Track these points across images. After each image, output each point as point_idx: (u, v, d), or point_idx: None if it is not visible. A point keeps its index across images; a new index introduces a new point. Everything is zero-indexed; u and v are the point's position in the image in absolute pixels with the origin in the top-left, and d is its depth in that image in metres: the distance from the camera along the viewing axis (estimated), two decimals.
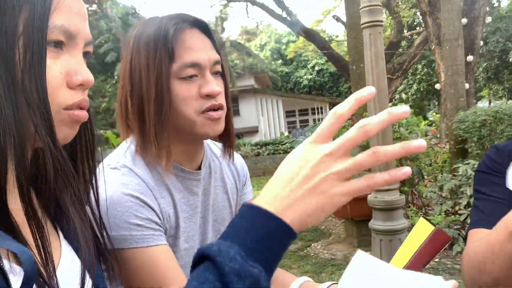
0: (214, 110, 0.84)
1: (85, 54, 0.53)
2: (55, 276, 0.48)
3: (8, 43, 0.44)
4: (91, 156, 0.59)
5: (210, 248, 0.42)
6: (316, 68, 30.08)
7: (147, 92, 0.79)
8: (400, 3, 16.85)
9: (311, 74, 30.50)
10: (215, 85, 0.83)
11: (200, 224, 0.91)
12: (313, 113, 25.61)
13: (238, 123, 23.64)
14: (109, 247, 0.63)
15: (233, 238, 0.43)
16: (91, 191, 0.60)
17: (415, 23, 19.45)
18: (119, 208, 0.74)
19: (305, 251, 5.39)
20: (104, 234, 0.62)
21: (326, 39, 20.54)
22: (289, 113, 26.54)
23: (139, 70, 0.80)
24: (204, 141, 0.96)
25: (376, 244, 1.99)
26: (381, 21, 1.92)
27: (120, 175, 0.78)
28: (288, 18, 13.43)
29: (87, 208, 0.58)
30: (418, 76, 23.39)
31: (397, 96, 23.87)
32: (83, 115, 0.52)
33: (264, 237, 0.43)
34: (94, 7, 20.50)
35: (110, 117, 16.79)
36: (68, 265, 0.55)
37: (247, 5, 16.56)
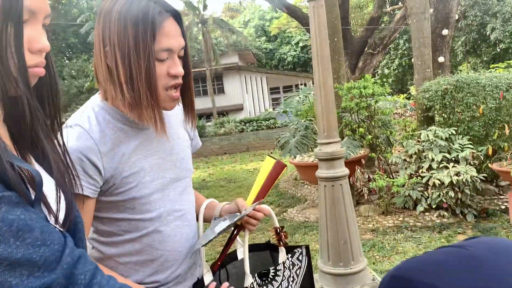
0: (175, 88, 1.03)
1: (44, 25, 0.69)
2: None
3: None
4: (54, 98, 0.76)
5: None
6: (300, 44, 30.11)
7: (137, 68, 0.98)
8: None
9: (295, 51, 30.56)
10: (181, 68, 1.02)
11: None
12: (297, 90, 25.83)
13: (223, 101, 23.68)
14: (75, 176, 0.79)
15: None
16: (59, 132, 0.77)
17: None
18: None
19: (282, 215, 5.72)
20: (70, 165, 0.79)
21: (306, 12, 20.57)
22: (273, 90, 26.68)
23: (127, 48, 0.97)
24: None
25: (321, 190, 2.29)
26: None
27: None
28: None
29: (56, 144, 0.76)
30: (400, 51, 23.66)
31: (379, 71, 24.16)
32: (41, 71, 0.70)
33: None
34: None
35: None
36: (46, 184, 0.70)
37: None
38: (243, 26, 33.08)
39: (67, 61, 20.38)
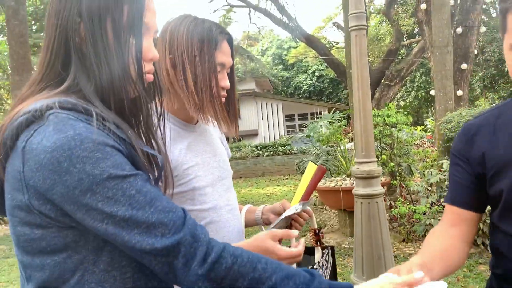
0: (223, 98, 1.25)
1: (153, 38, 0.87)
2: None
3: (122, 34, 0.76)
4: (160, 99, 0.94)
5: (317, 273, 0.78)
6: (316, 73, 30.55)
7: (202, 75, 1.18)
8: (400, 12, 17.29)
9: (311, 80, 30.98)
10: (228, 82, 1.24)
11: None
12: (312, 118, 26.02)
13: (239, 126, 23.93)
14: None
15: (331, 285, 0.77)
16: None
17: (414, 32, 19.89)
18: None
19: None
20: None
21: (327, 45, 20.96)
22: (288, 117, 26.94)
23: (194, 59, 1.19)
24: None
25: (358, 207, 2.42)
26: (365, 25, 2.35)
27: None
28: (290, 24, 13.79)
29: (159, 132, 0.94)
30: (416, 84, 23.80)
31: (395, 103, 24.27)
32: (151, 77, 0.86)
33: None
34: None
35: None
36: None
37: (249, 10, 16.94)
38: (261, 54, 33.76)
39: None
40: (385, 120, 5.26)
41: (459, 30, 8.10)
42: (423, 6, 8.95)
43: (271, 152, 15.10)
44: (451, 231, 1.12)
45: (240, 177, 14.42)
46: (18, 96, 0.78)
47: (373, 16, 22.29)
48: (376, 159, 2.36)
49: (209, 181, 1.26)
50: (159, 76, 0.95)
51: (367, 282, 0.85)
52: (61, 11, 0.76)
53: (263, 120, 24.81)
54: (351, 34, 2.34)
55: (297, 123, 27.27)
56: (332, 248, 1.46)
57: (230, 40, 1.26)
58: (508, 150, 0.99)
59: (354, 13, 2.32)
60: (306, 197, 1.40)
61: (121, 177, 0.68)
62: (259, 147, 15.54)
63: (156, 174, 0.82)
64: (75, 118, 0.69)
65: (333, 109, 13.51)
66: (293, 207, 1.32)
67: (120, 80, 0.76)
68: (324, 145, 6.66)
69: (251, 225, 1.46)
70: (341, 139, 6.15)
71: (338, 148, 6.21)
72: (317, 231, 1.42)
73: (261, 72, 28.25)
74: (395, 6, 15.30)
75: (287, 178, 13.11)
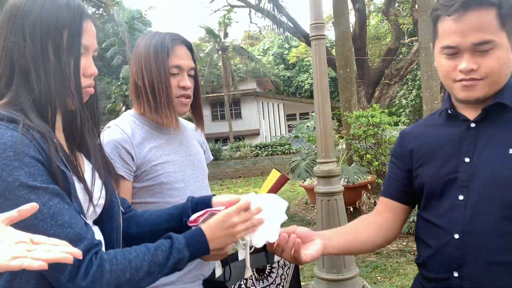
0: (185, 97, 1.42)
1: (93, 56, 0.99)
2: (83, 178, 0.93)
3: (60, 50, 0.87)
4: (97, 112, 1.05)
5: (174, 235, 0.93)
6: None
7: (158, 79, 1.35)
8: (401, 10, 17.31)
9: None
10: (188, 81, 1.39)
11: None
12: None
13: (240, 126, 24.09)
14: (110, 164, 1.08)
15: (186, 239, 0.94)
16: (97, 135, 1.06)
17: (416, 30, 19.89)
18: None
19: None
20: (106, 156, 1.08)
21: (327, 44, 21.05)
22: (290, 116, 27.05)
23: (150, 67, 1.37)
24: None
25: (319, 203, 2.58)
26: (324, 35, 2.50)
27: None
28: (290, 24, 13.90)
29: (97, 143, 1.04)
30: (417, 82, 23.80)
31: (397, 101, 24.25)
32: (91, 90, 0.98)
33: (197, 247, 0.96)
34: (101, 10, 20.89)
35: (115, 117, 17.21)
36: (88, 173, 0.98)
37: (250, 10, 17.05)
38: (262, 53, 33.86)
39: None
40: (369, 120, 5.41)
41: None
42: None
43: (270, 152, 15.23)
44: (373, 218, 1.28)
45: (239, 176, 14.57)
46: None
47: (373, 15, 22.34)
48: (335, 160, 2.52)
49: (180, 178, 1.41)
50: (97, 89, 1.06)
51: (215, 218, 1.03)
52: (8, 36, 0.86)
53: (264, 120, 24.93)
54: (312, 43, 2.49)
55: (298, 123, 27.29)
56: None
57: (187, 45, 1.42)
58: (429, 149, 1.16)
59: (314, 24, 2.48)
60: None
61: (30, 187, 0.76)
62: (258, 147, 15.67)
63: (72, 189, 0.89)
64: (5, 127, 0.79)
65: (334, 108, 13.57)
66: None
67: (59, 94, 0.88)
68: (314, 145, 6.81)
69: None
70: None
71: None
72: None
73: (262, 72, 28.36)
74: (395, 5, 15.33)
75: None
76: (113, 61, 18.79)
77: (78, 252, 0.62)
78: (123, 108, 17.83)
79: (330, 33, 28.54)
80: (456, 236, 1.04)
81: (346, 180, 5.17)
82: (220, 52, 22.20)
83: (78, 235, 0.79)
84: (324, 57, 2.43)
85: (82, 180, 0.90)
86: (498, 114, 1.05)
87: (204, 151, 1.63)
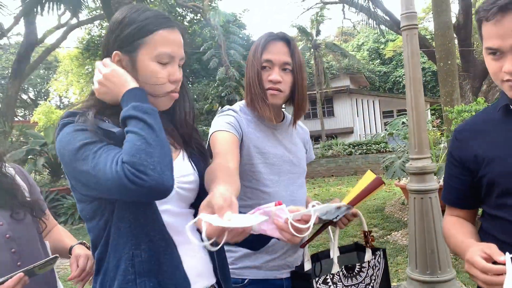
0: (272, 89, 1.45)
1: (179, 64, 1.11)
2: None
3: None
4: (191, 114, 1.19)
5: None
6: None
7: (252, 73, 1.46)
8: None
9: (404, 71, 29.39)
10: (277, 75, 1.44)
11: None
12: None
13: (332, 124, 23.76)
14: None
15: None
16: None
17: None
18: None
19: (385, 238, 5.72)
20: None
21: (428, 37, 19.80)
22: (386, 114, 25.95)
23: (248, 62, 1.49)
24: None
25: (411, 202, 2.46)
26: (416, 25, 2.37)
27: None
28: (386, 17, 13.35)
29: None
30: None
31: None
32: (176, 95, 1.11)
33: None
34: (199, 16, 22.05)
35: (212, 118, 17.95)
36: (180, 159, 1.13)
37: (343, 6, 16.71)
38: (356, 49, 32.97)
39: (190, 85, 22.33)
40: (461, 116, 4.98)
41: None
42: None
43: (365, 151, 14.76)
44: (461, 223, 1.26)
45: (332, 175, 14.37)
46: None
47: (480, 2, 20.47)
48: (429, 155, 2.38)
49: (276, 171, 1.47)
50: (187, 91, 1.20)
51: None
52: (105, 45, 1.06)
53: (358, 117, 24.27)
54: (403, 33, 2.38)
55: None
56: (384, 250, 1.58)
57: (286, 41, 1.47)
58: (494, 147, 1.13)
59: (405, 13, 2.37)
60: (353, 202, 1.46)
61: (85, 144, 0.93)
62: (351, 145, 15.30)
63: None
64: (67, 122, 0.99)
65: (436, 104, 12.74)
66: (331, 210, 1.37)
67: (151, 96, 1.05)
68: None
69: None
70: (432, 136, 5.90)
71: None
72: (366, 234, 1.55)
73: (356, 68, 27.64)
74: None
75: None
76: (210, 64, 19.63)
77: None
78: (219, 109, 18.57)
79: (431, 24, 26.78)
80: None
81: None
82: (312, 50, 22.10)
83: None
84: (417, 48, 2.32)
85: None
86: None
87: (307, 150, 1.67)
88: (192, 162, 1.12)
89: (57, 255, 1.24)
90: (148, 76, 1.04)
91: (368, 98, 25.04)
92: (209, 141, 1.40)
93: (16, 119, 21.63)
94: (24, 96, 31.02)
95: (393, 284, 3.22)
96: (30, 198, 1.39)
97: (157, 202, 1.00)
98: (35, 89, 33.71)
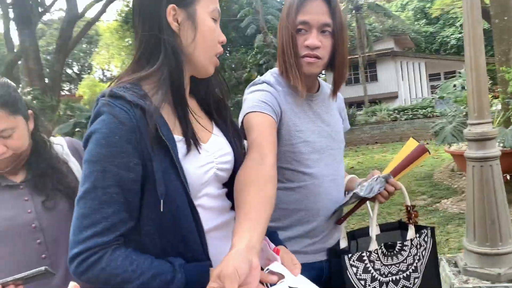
0: (310, 57, 1.27)
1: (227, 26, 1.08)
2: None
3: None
4: (223, 90, 1.08)
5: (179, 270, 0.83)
6: None
7: (285, 37, 1.28)
8: None
9: (460, 33, 27.73)
10: (315, 40, 1.24)
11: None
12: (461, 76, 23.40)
13: (375, 89, 23.00)
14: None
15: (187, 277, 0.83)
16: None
17: None
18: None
19: (434, 206, 5.53)
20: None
21: None
22: (433, 76, 24.77)
23: (281, 24, 1.30)
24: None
25: (469, 170, 2.28)
26: None
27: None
28: None
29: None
30: None
31: None
32: (217, 61, 1.01)
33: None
34: None
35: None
36: (216, 138, 1.03)
37: None
38: (400, 9, 31.37)
39: (227, 54, 22.21)
40: None
41: None
42: None
43: (410, 116, 14.23)
44: None
45: (376, 142, 14.04)
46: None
47: None
48: (490, 120, 2.17)
49: (317, 148, 1.33)
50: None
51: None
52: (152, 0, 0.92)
53: (403, 81, 23.34)
54: None
55: (442, 83, 24.90)
56: (432, 229, 1.43)
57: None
58: None
59: None
60: (396, 172, 1.36)
61: (103, 169, 0.82)
62: (396, 111, 14.78)
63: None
64: (113, 104, 0.84)
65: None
66: (366, 186, 1.30)
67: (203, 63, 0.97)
68: (462, 106, 6.10)
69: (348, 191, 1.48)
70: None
71: None
72: (409, 208, 1.41)
73: (400, 29, 26.37)
74: None
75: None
76: (247, 31, 19.38)
77: None
78: (258, 77, 18.41)
79: None
80: None
81: (501, 144, 4.53)
82: (353, 11, 21.21)
83: (110, 229, 0.81)
84: (477, 1, 2.08)
85: (195, 145, 0.92)
86: None
87: (343, 120, 1.51)
88: (228, 142, 1.03)
89: (44, 268, 1.03)
90: (207, 33, 0.95)
91: (413, 61, 23.95)
92: (242, 121, 1.25)
93: (62, 93, 22.49)
94: (69, 71, 32.15)
95: (444, 255, 3.09)
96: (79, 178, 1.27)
97: (198, 187, 0.91)
98: (78, 63, 34.82)
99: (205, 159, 0.93)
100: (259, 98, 1.26)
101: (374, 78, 23.51)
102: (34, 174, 1.22)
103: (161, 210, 0.83)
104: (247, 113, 1.23)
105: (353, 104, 20.13)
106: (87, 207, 0.80)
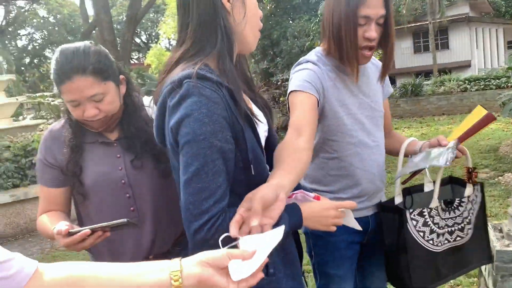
0: (368, 49, 1.37)
1: None
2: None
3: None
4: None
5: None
6: None
7: (346, 29, 1.33)
8: None
9: None
10: (374, 32, 1.34)
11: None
12: None
13: (446, 58, 21.60)
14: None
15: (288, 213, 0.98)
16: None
17: None
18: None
19: (497, 179, 5.35)
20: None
21: None
22: None
23: (339, 14, 1.33)
24: None
25: None
26: None
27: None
28: None
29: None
30: None
31: None
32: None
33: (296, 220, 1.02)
34: None
35: None
36: (256, 110, 1.10)
37: None
38: None
39: (290, 21, 21.75)
40: None
41: None
42: None
43: (482, 86, 13.30)
44: None
45: (443, 114, 13.35)
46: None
47: None
48: None
49: (359, 120, 1.46)
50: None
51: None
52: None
53: (478, 49, 21.73)
54: None
55: None
56: (481, 184, 1.56)
57: None
58: None
59: None
60: (462, 138, 1.44)
61: (210, 143, 0.89)
62: (467, 81, 13.87)
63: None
64: (203, 86, 0.90)
65: None
66: (443, 153, 1.35)
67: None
68: None
69: (408, 154, 1.58)
70: None
71: None
72: (470, 170, 1.51)
73: None
74: None
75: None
76: None
77: None
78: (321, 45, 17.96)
79: None
80: None
81: None
82: None
83: (223, 195, 0.91)
84: None
85: (255, 124, 1.02)
86: None
87: (383, 87, 1.60)
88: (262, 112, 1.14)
89: (126, 220, 1.10)
90: (254, 9, 1.01)
91: (490, 27, 22.14)
92: (288, 98, 1.40)
93: (131, 62, 23.52)
94: (137, 40, 33.38)
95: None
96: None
97: None
98: (146, 33, 36.02)
99: (262, 128, 1.08)
100: (303, 77, 1.39)
101: (445, 46, 22.09)
102: (126, 134, 1.31)
103: (253, 173, 0.96)
104: (291, 91, 1.39)
105: (421, 74, 19.12)
106: (202, 181, 0.88)
